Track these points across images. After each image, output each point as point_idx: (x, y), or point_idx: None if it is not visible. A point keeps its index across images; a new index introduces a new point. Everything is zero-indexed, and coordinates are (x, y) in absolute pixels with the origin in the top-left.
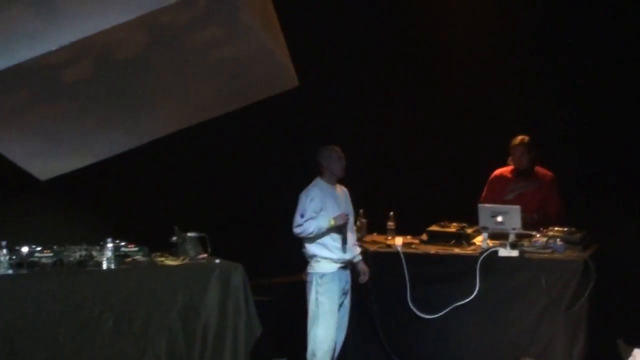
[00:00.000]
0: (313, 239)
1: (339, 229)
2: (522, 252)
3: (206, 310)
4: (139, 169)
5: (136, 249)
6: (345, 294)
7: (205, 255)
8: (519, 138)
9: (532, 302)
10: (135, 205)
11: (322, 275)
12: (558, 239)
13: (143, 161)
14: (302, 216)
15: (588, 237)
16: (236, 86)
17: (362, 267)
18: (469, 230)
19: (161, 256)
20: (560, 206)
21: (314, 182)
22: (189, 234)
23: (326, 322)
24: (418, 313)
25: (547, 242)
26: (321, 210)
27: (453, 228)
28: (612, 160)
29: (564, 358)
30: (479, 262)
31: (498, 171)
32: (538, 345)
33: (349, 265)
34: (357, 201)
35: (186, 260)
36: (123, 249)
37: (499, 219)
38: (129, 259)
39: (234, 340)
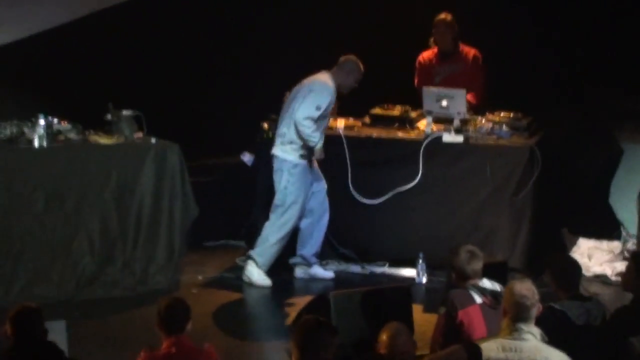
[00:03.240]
0: (297, 127)
1: None
2: (466, 138)
3: (141, 191)
4: (74, 45)
5: (69, 126)
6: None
7: (140, 135)
8: (442, 16)
9: (475, 189)
10: (68, 82)
11: (295, 166)
12: (504, 125)
13: (77, 36)
14: (317, 109)
15: (534, 124)
16: None
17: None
18: (413, 114)
19: (95, 134)
20: (482, 89)
21: (331, 78)
22: (124, 112)
23: (290, 211)
24: (359, 198)
25: (492, 127)
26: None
27: (397, 111)
28: (558, 45)
29: (507, 246)
30: (422, 147)
31: (422, 55)
32: (481, 233)
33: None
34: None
35: (121, 139)
36: (55, 126)
37: (444, 103)
38: (62, 137)
39: (169, 221)
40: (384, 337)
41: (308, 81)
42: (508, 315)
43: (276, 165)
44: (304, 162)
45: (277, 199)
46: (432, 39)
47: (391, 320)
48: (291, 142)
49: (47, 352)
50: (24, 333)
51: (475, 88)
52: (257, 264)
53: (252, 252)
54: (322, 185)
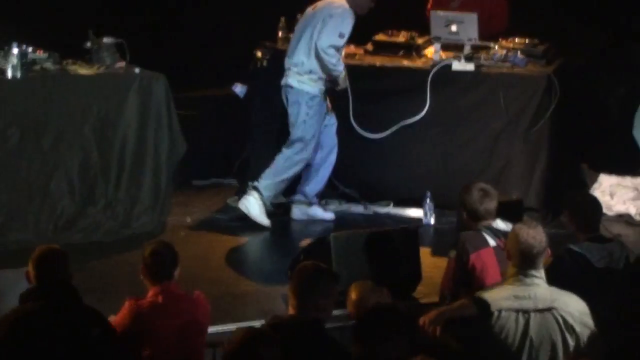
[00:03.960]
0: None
1: None
2: (478, 66)
3: (124, 126)
4: None
5: (45, 55)
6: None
7: (123, 64)
8: None
9: (488, 121)
10: (44, 7)
11: (313, 97)
12: (519, 52)
13: None
14: (341, 36)
15: (552, 50)
16: None
17: None
18: (420, 41)
19: (74, 64)
20: (506, 13)
21: (346, 1)
22: (105, 40)
23: (309, 147)
24: (362, 132)
25: (506, 54)
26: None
27: (402, 37)
28: None
29: (522, 184)
30: (430, 77)
31: None
32: (494, 168)
33: None
34: (297, 5)
35: (102, 69)
36: (30, 55)
37: (453, 28)
38: (37, 67)
39: (154, 159)
40: (352, 296)
41: (323, 4)
42: (513, 261)
43: (291, 97)
44: (320, 94)
45: (295, 133)
46: None
47: (397, 265)
48: (310, 72)
49: (63, 297)
50: (45, 276)
51: (497, 12)
52: (262, 196)
53: (259, 184)
54: (333, 119)
